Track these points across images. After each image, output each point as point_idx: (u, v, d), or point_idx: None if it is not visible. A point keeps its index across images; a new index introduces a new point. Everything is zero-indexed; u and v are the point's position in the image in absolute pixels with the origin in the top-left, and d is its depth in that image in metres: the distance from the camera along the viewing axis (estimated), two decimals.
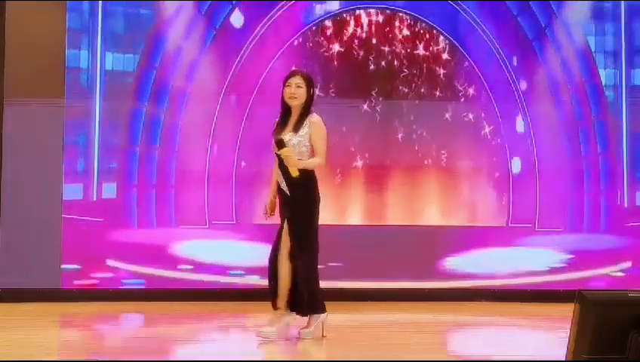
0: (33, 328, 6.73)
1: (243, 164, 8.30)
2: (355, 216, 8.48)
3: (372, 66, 8.50)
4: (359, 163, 8.47)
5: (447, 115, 8.53)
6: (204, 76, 8.37)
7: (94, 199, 8.24)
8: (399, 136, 8.51)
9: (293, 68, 6.52)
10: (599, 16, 8.65)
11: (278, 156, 5.94)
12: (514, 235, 8.52)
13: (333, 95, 8.43)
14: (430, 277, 8.43)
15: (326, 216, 8.40)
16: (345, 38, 8.50)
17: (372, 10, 8.54)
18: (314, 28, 8.48)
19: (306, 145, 5.93)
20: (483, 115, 8.54)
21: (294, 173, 5.83)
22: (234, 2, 8.44)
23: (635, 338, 3.89)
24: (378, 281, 8.35)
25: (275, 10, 8.43)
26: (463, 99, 8.54)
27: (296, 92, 5.92)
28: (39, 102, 8.17)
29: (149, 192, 8.32)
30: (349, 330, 6.81)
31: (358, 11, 8.53)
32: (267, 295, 6.07)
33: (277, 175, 6.02)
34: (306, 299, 5.97)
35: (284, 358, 5.76)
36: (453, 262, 8.45)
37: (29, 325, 6.86)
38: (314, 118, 5.99)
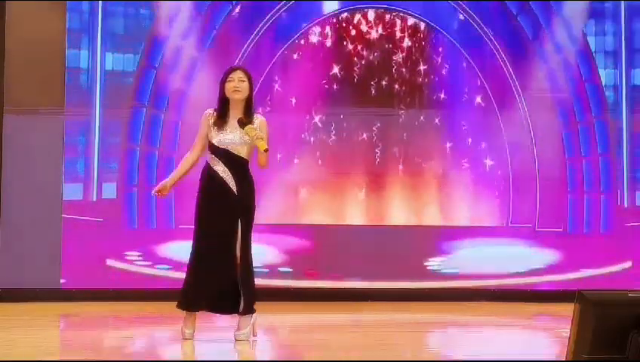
0: (33, 328, 6.72)
1: None
2: (355, 216, 8.47)
3: (373, 82, 8.54)
4: (357, 163, 8.48)
5: (446, 114, 8.54)
6: (204, 76, 8.37)
7: (94, 199, 8.24)
8: (398, 135, 8.53)
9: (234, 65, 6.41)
10: (599, 16, 8.65)
11: (222, 151, 5.81)
12: (514, 235, 8.52)
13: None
14: (430, 277, 8.43)
15: (326, 217, 8.46)
16: (344, 44, 8.52)
17: (370, 14, 8.54)
18: (313, 31, 8.49)
19: (251, 143, 5.88)
20: (482, 114, 8.54)
21: (264, 146, 5.75)
22: (234, 2, 8.45)
23: (635, 338, 3.89)
24: (378, 281, 8.35)
25: (275, 10, 8.43)
26: (460, 94, 8.54)
27: (239, 86, 5.88)
28: (39, 103, 8.17)
29: (149, 192, 8.31)
30: (349, 330, 6.80)
31: (357, 17, 8.54)
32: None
33: (222, 173, 5.84)
34: (249, 299, 5.88)
35: (284, 358, 5.76)
36: (453, 262, 8.45)
37: (29, 325, 6.85)
38: (261, 118, 5.95)
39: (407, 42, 8.54)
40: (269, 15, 8.43)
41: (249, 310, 5.85)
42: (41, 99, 8.16)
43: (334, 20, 8.51)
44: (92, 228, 8.18)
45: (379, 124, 8.49)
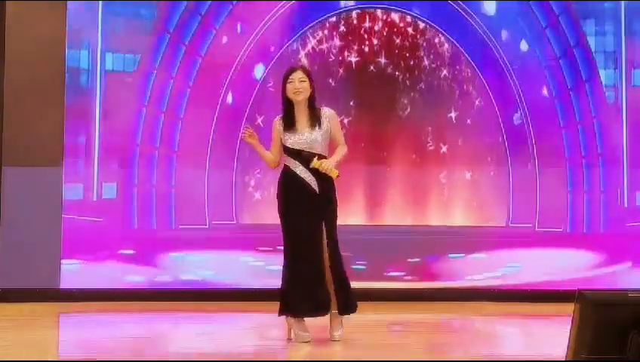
0: (33, 328, 6.73)
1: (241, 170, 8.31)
2: (354, 216, 8.47)
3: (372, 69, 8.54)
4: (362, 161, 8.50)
5: (447, 113, 8.54)
6: (204, 76, 8.37)
7: (94, 199, 8.25)
8: (398, 135, 8.54)
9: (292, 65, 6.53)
10: (599, 16, 8.65)
11: (298, 152, 5.90)
12: (514, 235, 8.52)
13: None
14: (430, 277, 8.44)
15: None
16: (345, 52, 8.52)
17: (372, 21, 8.55)
18: (314, 31, 8.50)
19: (326, 139, 5.98)
20: (481, 113, 8.55)
21: (335, 173, 5.89)
22: (234, 2, 8.45)
23: (635, 338, 3.90)
24: (378, 281, 8.35)
25: (275, 10, 8.44)
26: (460, 94, 8.55)
27: (300, 86, 5.94)
28: (39, 103, 8.17)
29: (149, 192, 8.33)
30: (349, 330, 6.80)
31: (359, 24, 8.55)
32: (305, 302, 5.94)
33: (302, 173, 5.89)
34: (346, 297, 6.00)
35: (284, 358, 5.76)
36: (453, 262, 8.45)
37: (29, 325, 6.86)
38: (330, 111, 6.05)
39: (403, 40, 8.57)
40: (270, 14, 8.43)
41: (348, 309, 5.99)
42: (40, 99, 8.16)
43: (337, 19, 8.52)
44: (92, 228, 8.18)
45: (378, 122, 8.50)
